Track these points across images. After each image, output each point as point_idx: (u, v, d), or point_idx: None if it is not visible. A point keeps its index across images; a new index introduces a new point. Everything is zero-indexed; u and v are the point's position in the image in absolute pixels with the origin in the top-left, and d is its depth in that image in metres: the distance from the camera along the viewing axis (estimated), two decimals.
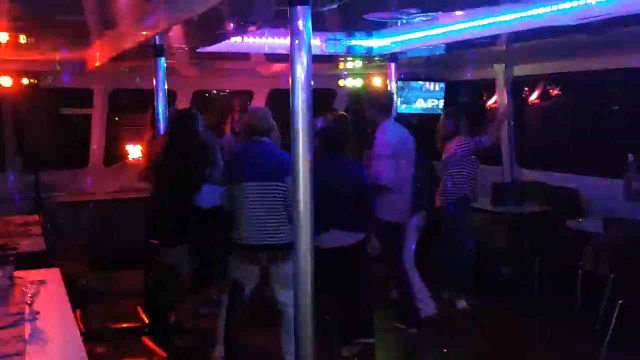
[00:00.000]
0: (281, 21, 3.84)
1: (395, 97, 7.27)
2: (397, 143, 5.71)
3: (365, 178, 5.39)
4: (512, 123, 8.37)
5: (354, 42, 6.68)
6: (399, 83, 7.83)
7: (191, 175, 5.38)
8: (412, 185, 5.81)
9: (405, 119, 6.96)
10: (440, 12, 5.34)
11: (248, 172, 4.76)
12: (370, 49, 6.86)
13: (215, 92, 8.64)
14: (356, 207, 5.19)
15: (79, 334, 3.35)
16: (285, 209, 4.67)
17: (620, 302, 5.00)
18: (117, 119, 9.76)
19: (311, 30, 3.10)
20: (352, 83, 9.67)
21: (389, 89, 7.29)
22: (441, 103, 9.07)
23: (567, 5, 4.70)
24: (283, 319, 4.91)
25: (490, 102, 9.65)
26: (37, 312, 3.42)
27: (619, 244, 5.37)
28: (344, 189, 5.11)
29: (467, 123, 6.58)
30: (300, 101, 3.13)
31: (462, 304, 6.38)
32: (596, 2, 4.52)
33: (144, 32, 5.21)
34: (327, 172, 4.92)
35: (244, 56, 7.23)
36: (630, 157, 5.82)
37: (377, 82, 9.30)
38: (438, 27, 5.84)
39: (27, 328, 3.28)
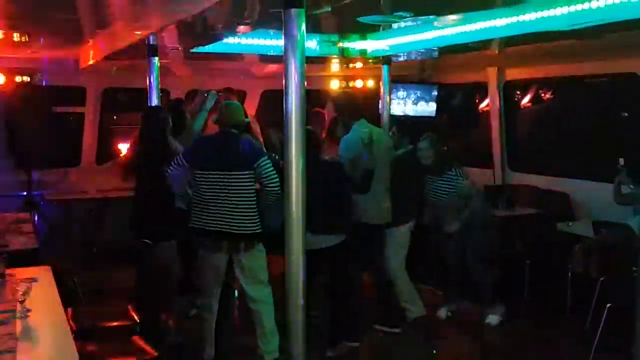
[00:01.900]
0: (275, 23, 3.86)
1: (388, 99, 7.31)
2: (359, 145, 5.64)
3: (344, 179, 5.39)
4: (503, 126, 8.42)
5: (347, 44, 6.69)
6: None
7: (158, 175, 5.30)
8: (397, 191, 5.83)
9: (397, 120, 7.00)
10: (434, 16, 5.36)
11: (212, 161, 4.79)
12: (363, 51, 6.88)
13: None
14: (333, 209, 5.17)
15: (69, 332, 3.37)
16: (250, 199, 4.72)
17: (608, 305, 5.04)
18: (115, 117, 9.76)
19: (305, 33, 3.12)
20: (344, 85, 9.69)
21: (380, 91, 7.31)
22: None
23: (559, 10, 4.73)
24: (255, 318, 4.93)
25: (482, 105, 9.69)
26: (29, 310, 3.42)
27: (608, 247, 5.41)
28: (320, 190, 5.08)
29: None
30: (294, 102, 3.15)
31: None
32: (588, 7, 4.56)
33: (138, 32, 5.22)
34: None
35: (237, 57, 7.24)
36: (621, 161, 5.88)
37: (370, 84, 9.33)
38: (431, 31, 5.86)
39: (19, 325, 3.29)
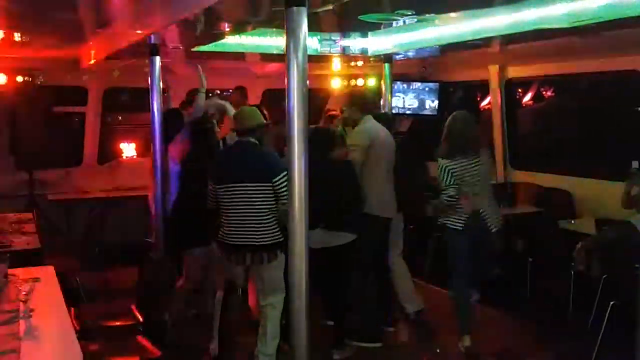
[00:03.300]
0: (277, 21, 3.86)
1: (389, 97, 7.31)
2: (372, 137, 5.67)
3: (355, 178, 5.37)
4: (505, 124, 8.42)
5: (349, 42, 6.69)
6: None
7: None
8: (395, 184, 5.82)
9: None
10: (435, 14, 5.36)
11: (231, 173, 4.76)
12: (365, 50, 6.88)
13: (218, 92, 8.63)
14: (345, 207, 5.19)
15: (73, 331, 3.37)
16: (270, 210, 4.69)
17: (612, 302, 5.03)
18: (120, 118, 9.77)
19: (307, 31, 3.11)
20: (345, 84, 9.69)
21: (382, 89, 7.32)
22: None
23: (560, 8, 4.73)
24: (262, 318, 4.91)
25: (484, 103, 9.69)
26: (32, 310, 3.42)
27: (610, 245, 5.40)
28: (333, 188, 5.10)
29: None
30: (296, 101, 3.14)
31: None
32: (589, 5, 4.55)
33: (139, 31, 5.21)
34: (316, 172, 4.91)
35: (239, 56, 7.23)
36: (634, 164, 5.72)
37: (371, 82, 9.33)
38: (433, 29, 5.86)
39: (22, 325, 3.29)
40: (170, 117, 5.98)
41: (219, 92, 6.35)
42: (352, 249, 5.23)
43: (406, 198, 5.95)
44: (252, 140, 4.83)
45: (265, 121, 5.09)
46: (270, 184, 4.64)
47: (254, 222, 4.68)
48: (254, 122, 4.91)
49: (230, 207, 4.75)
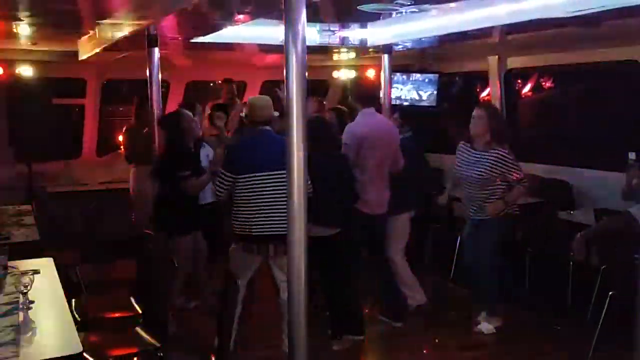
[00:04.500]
0: (276, 12, 3.85)
1: (389, 88, 7.30)
2: (363, 133, 5.62)
3: (349, 171, 5.37)
4: (504, 115, 8.40)
5: (348, 33, 6.67)
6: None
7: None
8: (397, 179, 5.81)
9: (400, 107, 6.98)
10: (435, 5, 5.34)
11: (254, 162, 4.72)
12: (364, 41, 6.85)
13: (220, 82, 8.59)
14: (338, 200, 5.18)
15: (72, 322, 3.38)
16: None
17: (610, 293, 5.04)
18: (121, 109, 9.77)
19: (306, 22, 3.10)
20: (345, 75, 9.67)
21: (381, 80, 7.30)
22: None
23: None
24: (283, 312, 4.88)
25: (484, 94, 9.68)
26: (32, 302, 3.44)
27: (609, 235, 5.40)
28: (328, 182, 5.08)
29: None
30: (295, 92, 3.13)
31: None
32: None
33: (137, 22, 5.20)
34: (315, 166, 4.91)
35: (237, 47, 7.21)
36: (631, 155, 5.69)
37: (370, 73, 9.31)
38: (432, 19, 5.84)
39: (22, 317, 3.30)
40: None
41: (220, 81, 6.35)
42: (346, 240, 5.22)
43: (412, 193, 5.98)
44: (267, 128, 4.83)
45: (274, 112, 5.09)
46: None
47: (276, 211, 4.61)
48: (271, 112, 4.91)
49: (259, 197, 4.68)
